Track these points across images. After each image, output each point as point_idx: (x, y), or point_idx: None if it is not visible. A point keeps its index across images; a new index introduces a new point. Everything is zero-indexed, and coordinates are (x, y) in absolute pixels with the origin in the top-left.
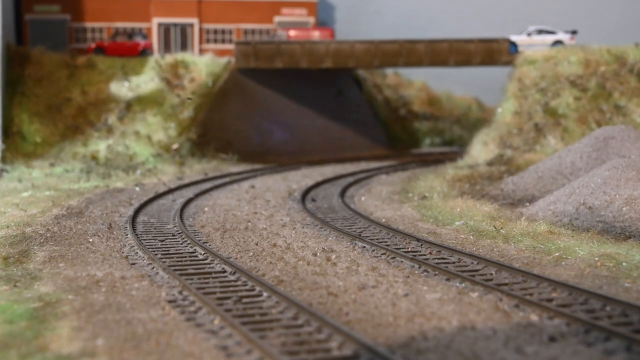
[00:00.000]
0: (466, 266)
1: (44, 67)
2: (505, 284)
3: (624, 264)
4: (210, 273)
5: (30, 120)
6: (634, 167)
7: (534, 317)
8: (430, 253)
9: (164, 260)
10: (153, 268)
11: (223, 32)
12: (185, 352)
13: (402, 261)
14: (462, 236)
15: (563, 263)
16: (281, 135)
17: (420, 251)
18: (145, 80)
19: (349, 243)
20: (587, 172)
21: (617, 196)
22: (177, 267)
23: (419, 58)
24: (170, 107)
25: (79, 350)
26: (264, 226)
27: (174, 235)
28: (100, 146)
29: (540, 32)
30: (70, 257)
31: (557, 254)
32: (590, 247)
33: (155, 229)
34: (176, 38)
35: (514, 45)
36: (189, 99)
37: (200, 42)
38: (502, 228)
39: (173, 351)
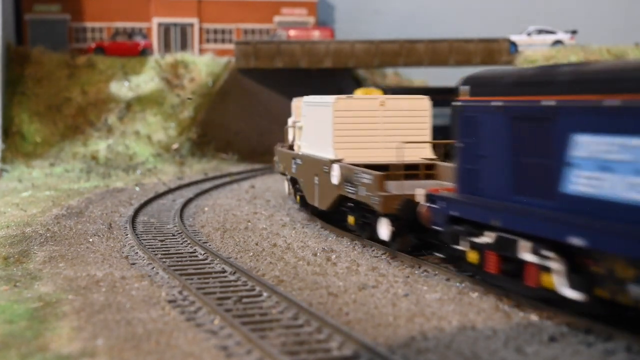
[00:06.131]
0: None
1: (44, 67)
2: None
3: None
4: (210, 273)
5: (30, 120)
6: None
7: (534, 317)
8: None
9: (164, 260)
10: (153, 268)
11: (223, 32)
12: (185, 352)
13: (402, 261)
14: None
15: None
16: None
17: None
18: (145, 80)
19: (349, 243)
20: None
21: None
22: (177, 267)
23: (419, 58)
24: (170, 107)
25: (79, 350)
26: (264, 226)
27: (174, 235)
28: (100, 146)
29: (540, 32)
30: (70, 257)
31: None
32: None
33: (155, 228)
34: (176, 38)
35: (514, 45)
36: (189, 98)
37: (200, 42)
38: None
39: (173, 351)
